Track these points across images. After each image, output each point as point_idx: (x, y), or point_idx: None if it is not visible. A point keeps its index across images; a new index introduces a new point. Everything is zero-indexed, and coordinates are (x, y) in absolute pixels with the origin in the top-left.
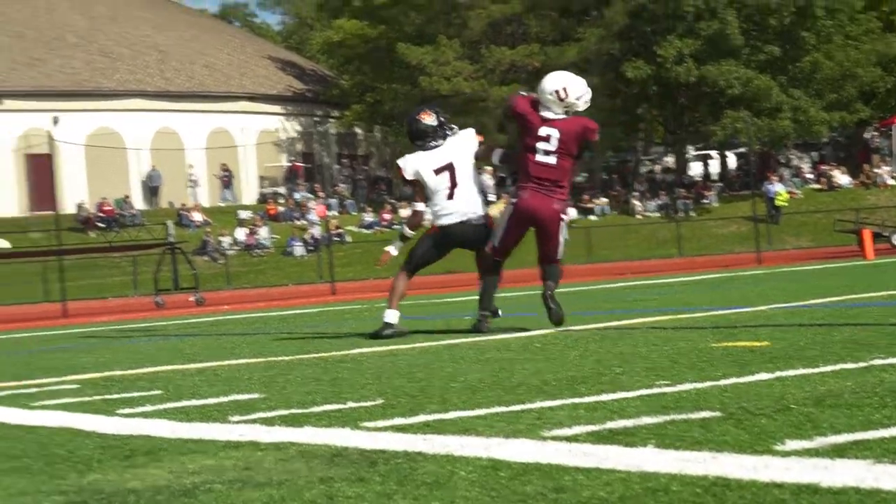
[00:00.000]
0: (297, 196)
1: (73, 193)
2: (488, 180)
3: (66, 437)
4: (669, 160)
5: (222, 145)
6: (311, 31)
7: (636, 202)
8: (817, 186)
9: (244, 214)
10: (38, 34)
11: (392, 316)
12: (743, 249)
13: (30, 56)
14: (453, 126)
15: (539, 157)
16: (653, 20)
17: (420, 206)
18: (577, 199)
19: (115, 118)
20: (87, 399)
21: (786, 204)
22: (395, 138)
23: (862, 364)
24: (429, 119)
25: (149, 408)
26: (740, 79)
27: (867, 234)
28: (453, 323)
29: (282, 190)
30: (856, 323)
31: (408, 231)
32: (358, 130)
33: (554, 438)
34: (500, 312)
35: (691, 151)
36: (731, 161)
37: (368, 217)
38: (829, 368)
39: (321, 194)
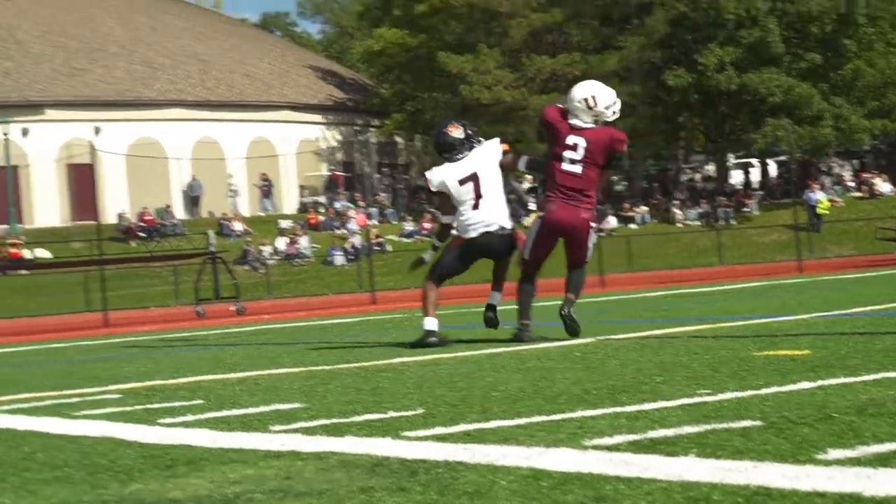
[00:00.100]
0: (337, 205)
1: (115, 203)
2: (524, 188)
3: (107, 447)
4: (710, 168)
5: (263, 155)
6: (351, 40)
7: (677, 210)
8: (858, 194)
9: (285, 224)
10: (80, 45)
11: (431, 323)
12: (784, 258)
13: (71, 66)
14: (480, 139)
15: (565, 166)
16: (694, 28)
17: (446, 218)
18: (618, 208)
19: (156, 128)
20: (128, 409)
21: (827, 212)
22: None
23: None
24: (456, 132)
25: (190, 417)
26: (781, 87)
27: None
28: (494, 332)
29: (322, 199)
30: None
31: (437, 241)
32: (398, 139)
33: (595, 448)
34: (500, 325)
35: (732, 160)
36: (773, 169)
37: (409, 226)
38: (871, 377)
39: (361, 203)
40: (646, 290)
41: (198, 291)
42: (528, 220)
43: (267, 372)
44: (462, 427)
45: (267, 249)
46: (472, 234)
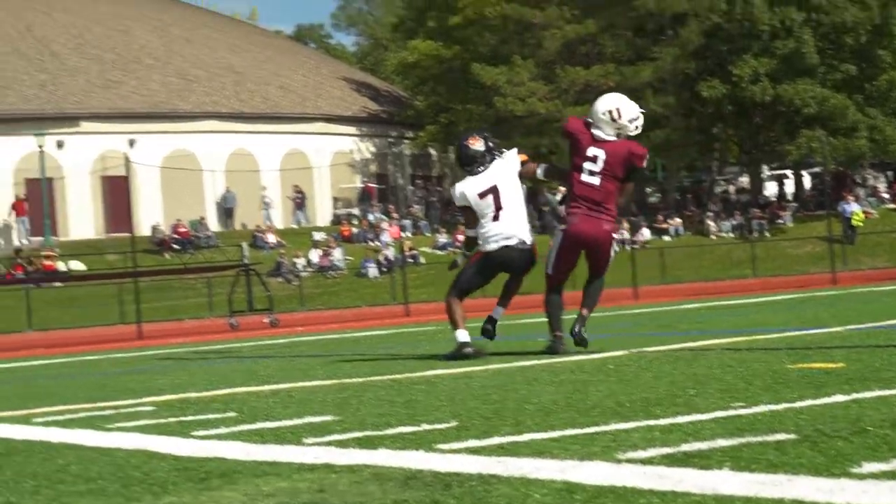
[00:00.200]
0: (371, 217)
1: (149, 215)
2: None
3: (141, 460)
4: (744, 180)
5: (297, 166)
6: (385, 52)
7: (710, 222)
8: (893, 206)
9: (318, 236)
10: (115, 57)
11: (463, 335)
12: (818, 270)
13: (106, 78)
14: (503, 150)
15: (584, 177)
16: (728, 39)
17: (471, 231)
18: (652, 220)
19: (191, 140)
20: (162, 421)
21: (861, 224)
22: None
23: None
24: (476, 145)
25: (223, 430)
26: (816, 98)
27: None
28: (528, 344)
29: (356, 211)
30: None
31: (466, 251)
32: (432, 151)
33: (629, 461)
34: (494, 334)
35: (766, 171)
36: (807, 181)
37: (442, 238)
38: None
39: (395, 215)
40: (679, 302)
41: (231, 304)
42: None
43: (300, 384)
44: (495, 440)
45: (300, 262)
46: (492, 247)
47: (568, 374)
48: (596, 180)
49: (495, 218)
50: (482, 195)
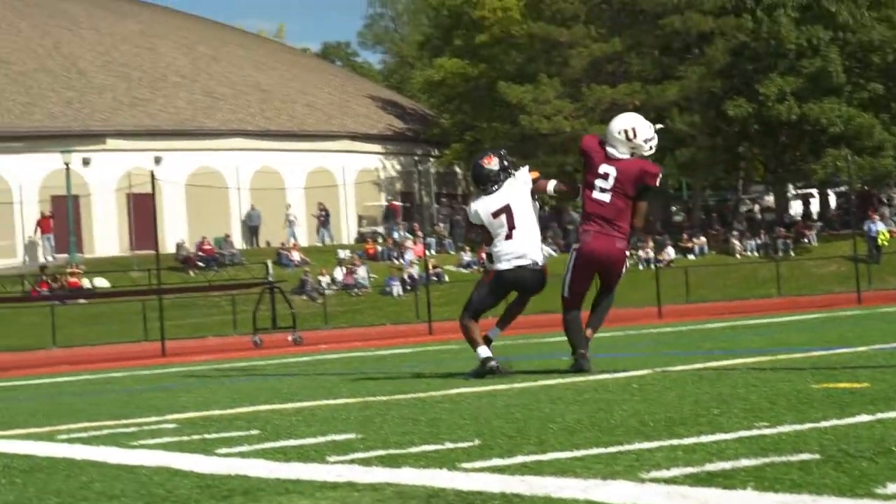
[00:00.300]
0: (395, 235)
1: (174, 232)
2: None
3: (164, 477)
4: (769, 199)
5: (322, 184)
6: (412, 70)
7: (735, 241)
8: None
9: (343, 254)
10: (142, 74)
11: (485, 351)
12: (843, 289)
13: (133, 96)
14: (520, 168)
15: (595, 194)
16: (754, 58)
17: (488, 248)
18: (676, 239)
19: (217, 157)
20: (185, 438)
21: (887, 243)
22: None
23: None
24: (491, 164)
25: (246, 447)
26: (842, 117)
27: None
28: (551, 363)
29: (381, 229)
30: None
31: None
32: (457, 169)
33: (652, 480)
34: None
35: (792, 190)
36: (832, 200)
37: (466, 256)
38: None
39: (419, 233)
40: (703, 321)
41: (255, 321)
42: None
43: (324, 402)
44: (519, 459)
45: (325, 279)
46: (504, 266)
47: (592, 393)
48: (606, 197)
49: (508, 237)
50: (495, 214)
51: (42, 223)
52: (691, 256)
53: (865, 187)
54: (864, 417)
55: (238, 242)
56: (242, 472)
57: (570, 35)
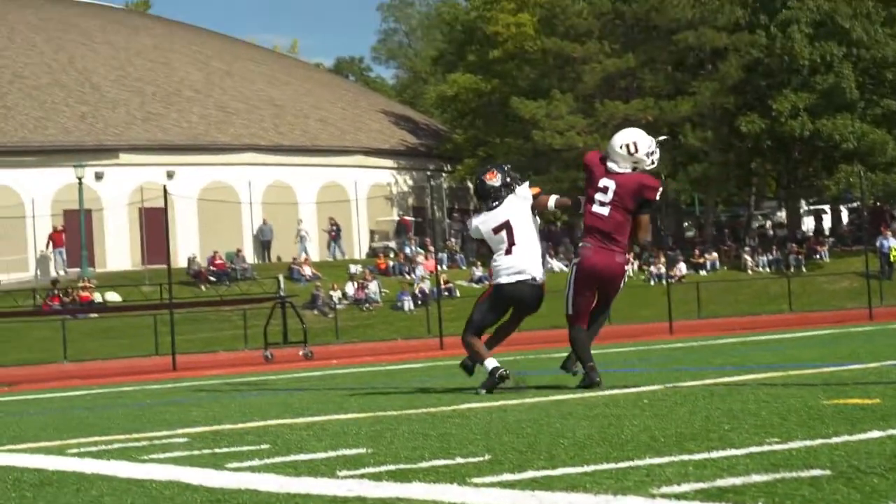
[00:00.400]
0: (407, 250)
1: (186, 247)
2: None
3: (174, 491)
4: (782, 215)
5: (334, 199)
6: (425, 86)
7: (747, 257)
8: None
9: (354, 269)
10: (156, 89)
11: (492, 363)
12: (854, 305)
13: (146, 111)
14: (522, 184)
15: (594, 208)
16: (768, 74)
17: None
18: (688, 254)
19: (229, 172)
20: (196, 453)
21: None
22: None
23: None
24: (493, 180)
25: (257, 462)
26: (855, 133)
27: None
28: (562, 378)
29: (392, 244)
30: None
31: None
32: (470, 185)
33: (663, 496)
34: (473, 370)
35: (804, 206)
36: (844, 216)
37: (478, 272)
38: None
39: (431, 248)
40: (715, 337)
41: (266, 336)
42: None
43: (334, 417)
44: (529, 474)
45: (336, 294)
46: (504, 280)
47: (602, 409)
48: (605, 211)
49: (508, 252)
50: (496, 230)
51: (54, 237)
52: (703, 272)
53: (878, 203)
54: (876, 433)
55: (250, 257)
56: (253, 487)
57: (583, 51)
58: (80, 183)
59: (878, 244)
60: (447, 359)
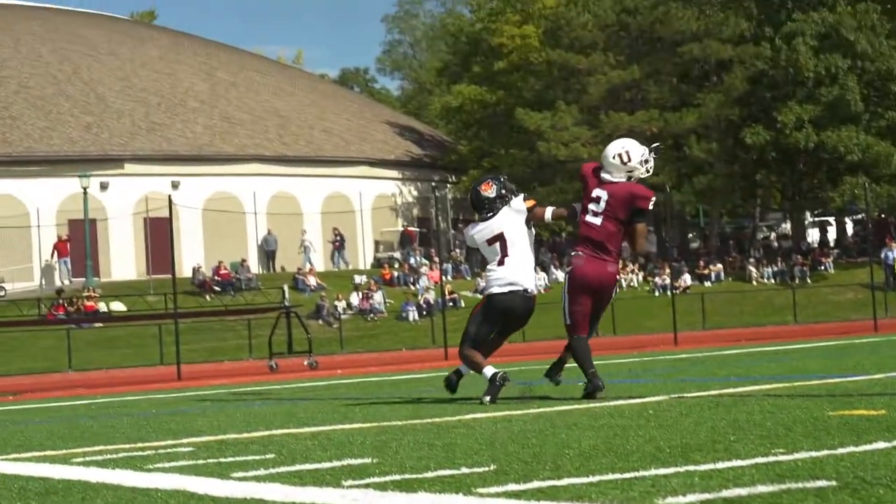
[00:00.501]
0: (412, 261)
1: (191, 257)
2: None
3: (179, 500)
4: (786, 226)
5: (339, 210)
6: (430, 97)
7: (752, 269)
8: None
9: (359, 279)
10: (160, 99)
11: (490, 370)
12: (859, 317)
13: (151, 121)
14: (517, 196)
15: (588, 218)
16: (773, 86)
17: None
18: (693, 266)
19: (234, 182)
20: (201, 462)
21: None
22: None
23: None
24: (488, 191)
25: (262, 472)
26: (860, 145)
27: None
28: (567, 389)
29: (397, 255)
30: None
31: None
32: None
33: None
34: (456, 387)
35: (809, 218)
36: (849, 228)
37: (482, 282)
38: None
39: (436, 259)
40: (720, 348)
41: (271, 345)
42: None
43: (339, 426)
44: (535, 484)
45: (341, 304)
46: (496, 290)
47: (607, 419)
48: (597, 220)
49: (500, 263)
50: (489, 242)
51: (59, 247)
52: (708, 283)
53: (882, 215)
54: (881, 444)
55: (254, 267)
56: (258, 496)
57: (588, 62)
58: (85, 193)
59: (882, 256)
60: (451, 369)
